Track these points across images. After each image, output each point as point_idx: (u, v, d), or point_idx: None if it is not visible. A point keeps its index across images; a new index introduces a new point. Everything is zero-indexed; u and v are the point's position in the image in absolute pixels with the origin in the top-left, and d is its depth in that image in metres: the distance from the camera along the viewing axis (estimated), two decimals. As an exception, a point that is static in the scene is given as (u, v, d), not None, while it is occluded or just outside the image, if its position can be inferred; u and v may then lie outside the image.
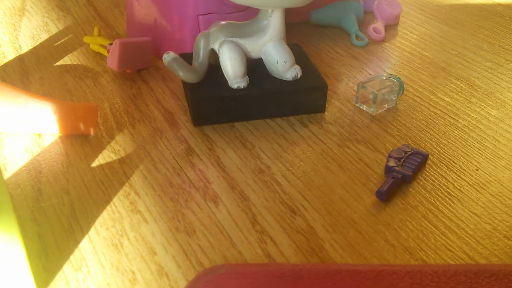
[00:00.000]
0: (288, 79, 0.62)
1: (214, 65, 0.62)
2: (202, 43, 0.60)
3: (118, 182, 0.53)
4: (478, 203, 0.52)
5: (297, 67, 0.63)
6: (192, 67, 0.60)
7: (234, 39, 0.60)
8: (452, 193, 0.53)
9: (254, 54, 0.62)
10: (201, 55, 0.60)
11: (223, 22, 0.61)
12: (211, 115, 0.61)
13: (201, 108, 0.60)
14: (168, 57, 0.59)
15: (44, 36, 0.79)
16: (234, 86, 0.61)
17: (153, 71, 0.71)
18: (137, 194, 0.52)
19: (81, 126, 0.58)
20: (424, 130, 0.62)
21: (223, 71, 0.61)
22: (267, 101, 0.62)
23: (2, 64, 0.72)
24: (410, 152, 0.56)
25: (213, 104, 0.60)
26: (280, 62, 0.61)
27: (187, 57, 0.62)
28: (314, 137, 0.60)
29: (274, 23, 0.60)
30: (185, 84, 0.63)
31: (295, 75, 0.62)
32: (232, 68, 0.60)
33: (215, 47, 0.60)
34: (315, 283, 0.39)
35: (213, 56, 0.62)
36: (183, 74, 0.59)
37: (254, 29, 0.60)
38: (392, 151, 0.57)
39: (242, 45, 0.60)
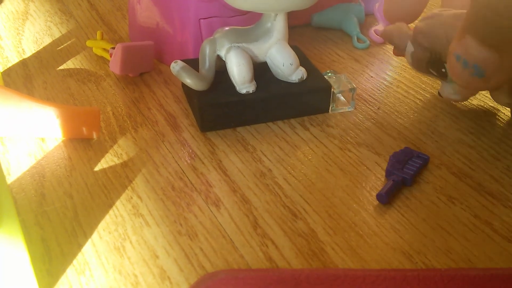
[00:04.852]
0: (294, 81, 0.63)
1: (217, 71, 0.62)
2: (208, 50, 0.60)
3: (121, 186, 0.54)
4: (479, 206, 0.52)
5: (302, 69, 0.63)
6: (201, 75, 0.60)
7: (240, 45, 0.60)
8: (453, 196, 0.53)
9: (261, 58, 0.62)
10: (208, 62, 0.60)
11: (227, 28, 0.61)
12: (219, 120, 0.61)
13: (209, 114, 0.60)
14: (176, 66, 0.59)
15: (47, 40, 0.80)
16: (243, 91, 0.61)
17: (155, 74, 0.72)
18: (139, 198, 0.53)
19: (84, 130, 0.59)
20: (426, 132, 0.62)
21: (231, 76, 0.61)
22: (273, 103, 0.62)
23: (6, 68, 0.73)
24: (411, 155, 0.56)
25: (221, 109, 0.60)
26: (286, 65, 0.62)
27: (190, 63, 0.62)
28: (315, 140, 0.61)
29: (278, 26, 0.60)
30: (189, 90, 0.62)
31: (301, 77, 0.63)
32: (240, 74, 0.60)
33: (222, 53, 0.60)
34: (315, 288, 0.39)
35: (217, 62, 0.62)
36: (192, 82, 0.59)
37: (259, 33, 0.61)
38: (393, 153, 0.57)
39: (248, 49, 0.61)
